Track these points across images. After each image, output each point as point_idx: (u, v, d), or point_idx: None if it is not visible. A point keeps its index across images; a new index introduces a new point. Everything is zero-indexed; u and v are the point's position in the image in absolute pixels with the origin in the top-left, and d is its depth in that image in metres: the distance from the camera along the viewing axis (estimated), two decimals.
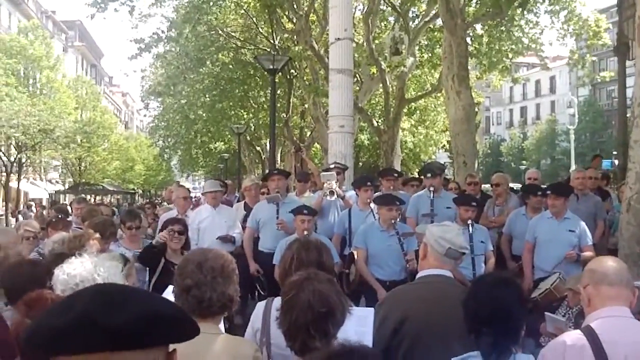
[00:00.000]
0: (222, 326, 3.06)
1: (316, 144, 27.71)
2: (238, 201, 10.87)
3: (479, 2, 17.78)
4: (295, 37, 22.00)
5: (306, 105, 25.31)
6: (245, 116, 31.70)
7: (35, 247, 6.67)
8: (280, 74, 19.02)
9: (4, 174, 33.90)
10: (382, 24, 23.57)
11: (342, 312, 2.65)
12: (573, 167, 31.41)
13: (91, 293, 1.21)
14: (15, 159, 33.74)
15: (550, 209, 7.04)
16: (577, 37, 21.42)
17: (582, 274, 3.28)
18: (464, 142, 13.30)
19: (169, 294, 3.05)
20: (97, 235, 4.99)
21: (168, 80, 29.73)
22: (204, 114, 30.84)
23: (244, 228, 8.34)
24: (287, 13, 22.69)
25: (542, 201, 7.49)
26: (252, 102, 30.37)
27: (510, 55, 21.08)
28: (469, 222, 6.76)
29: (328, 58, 12.61)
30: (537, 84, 70.36)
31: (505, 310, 2.57)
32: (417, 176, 11.76)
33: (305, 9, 20.65)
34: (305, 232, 6.46)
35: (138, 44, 23.07)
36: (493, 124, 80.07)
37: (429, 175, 7.97)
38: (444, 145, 33.03)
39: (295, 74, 24.94)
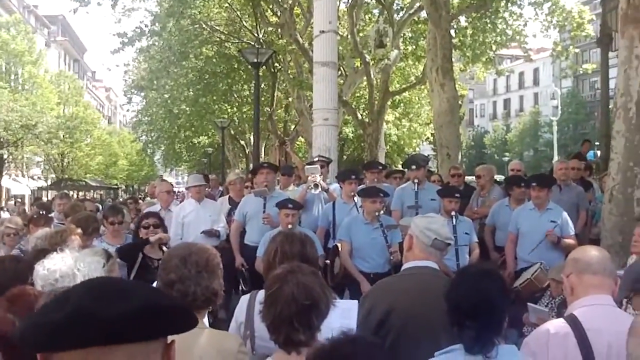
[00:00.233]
0: (206, 320, 3.05)
1: (300, 137, 27.67)
2: (222, 195, 10.84)
3: None
4: (279, 30, 21.95)
5: (290, 99, 25.24)
6: (229, 110, 31.58)
7: (17, 244, 6.63)
8: (264, 67, 18.98)
9: None
10: (367, 16, 23.54)
11: (326, 305, 2.65)
12: (556, 158, 31.59)
13: (87, 287, 1.20)
14: None
15: (533, 200, 7.09)
16: (561, 29, 21.51)
17: (565, 262, 3.29)
18: (448, 134, 13.33)
19: None
20: (79, 230, 4.96)
21: (151, 75, 29.58)
22: (188, 108, 30.67)
23: (228, 222, 8.33)
24: (271, 6, 22.64)
25: (526, 192, 7.53)
26: (236, 96, 30.26)
27: (494, 47, 21.12)
28: (453, 213, 6.80)
29: (312, 51, 12.59)
30: (520, 76, 70.56)
31: (488, 302, 2.56)
32: (400, 169, 11.78)
33: (290, 2, 20.60)
34: (290, 226, 6.45)
35: (121, 38, 22.95)
36: (477, 116, 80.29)
37: (413, 167, 7.99)
38: (428, 138, 33.08)
39: (280, 67, 24.87)
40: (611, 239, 6.69)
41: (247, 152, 35.71)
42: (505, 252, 7.29)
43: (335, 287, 5.85)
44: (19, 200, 36.39)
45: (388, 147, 28.63)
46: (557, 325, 2.97)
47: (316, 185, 7.69)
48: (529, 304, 5.14)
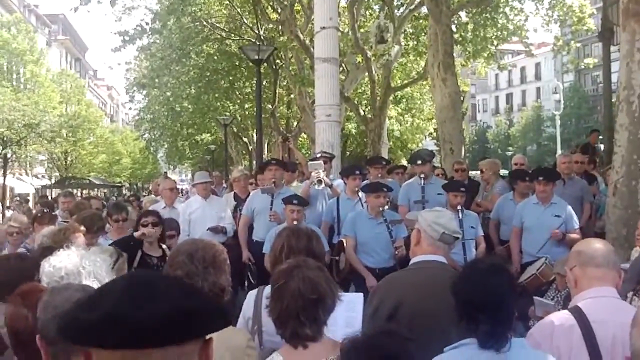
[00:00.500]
0: None
1: (303, 133, 27.66)
2: (225, 192, 10.86)
3: None
4: (280, 27, 21.91)
5: (292, 95, 25.25)
6: (231, 107, 31.60)
7: (22, 242, 6.64)
8: (265, 64, 18.97)
9: None
10: (367, 12, 23.50)
11: (332, 299, 2.66)
12: (559, 152, 31.55)
13: (122, 286, 1.20)
14: (0, 154, 33.46)
15: (539, 195, 7.06)
16: (562, 24, 21.49)
17: (569, 255, 3.29)
18: (451, 129, 13.33)
19: None
20: (83, 228, 4.96)
21: (153, 73, 29.55)
22: (190, 106, 30.68)
23: (234, 218, 8.36)
24: (271, 3, 22.60)
25: (530, 186, 7.52)
26: (237, 93, 30.25)
27: (495, 42, 21.11)
28: (459, 207, 6.82)
29: (313, 47, 12.58)
30: (522, 70, 70.55)
31: (501, 297, 2.56)
32: (401, 164, 11.77)
33: None
34: (295, 222, 6.44)
35: (122, 37, 22.94)
36: (479, 111, 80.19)
37: (419, 162, 7.97)
38: (431, 133, 33.06)
39: (281, 64, 24.86)
40: (615, 232, 6.70)
41: (250, 149, 35.73)
42: (510, 246, 7.30)
43: (340, 282, 5.87)
44: (17, 199, 36.37)
45: (391, 142, 28.61)
46: (561, 317, 2.98)
47: (319, 181, 7.69)
48: (535, 297, 5.14)
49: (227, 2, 25.06)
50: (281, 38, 21.89)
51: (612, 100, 13.22)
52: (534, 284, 6.02)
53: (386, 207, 6.89)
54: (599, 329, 2.83)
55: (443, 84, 13.20)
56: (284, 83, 26.67)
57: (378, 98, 20.68)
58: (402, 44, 21.20)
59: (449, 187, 7.28)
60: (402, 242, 6.52)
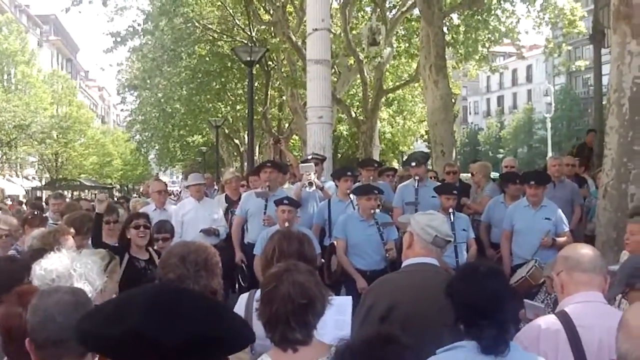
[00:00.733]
0: None
1: (295, 135, 27.67)
2: (216, 194, 10.85)
3: None
4: (272, 28, 21.92)
5: (284, 97, 25.22)
6: (223, 109, 31.52)
7: (13, 245, 6.59)
8: (257, 65, 18.95)
9: None
10: (359, 14, 23.52)
11: (322, 303, 2.65)
12: (550, 154, 31.66)
13: (146, 301, 1.18)
14: None
15: (530, 198, 7.07)
16: (553, 26, 21.58)
17: (556, 260, 3.30)
18: (442, 131, 13.36)
19: None
20: (72, 230, 4.94)
21: (144, 74, 29.50)
22: (181, 107, 30.57)
23: (226, 220, 8.36)
24: (264, 4, 22.60)
25: (521, 189, 7.53)
26: (229, 94, 30.18)
27: (486, 45, 21.17)
28: (450, 210, 6.83)
29: (305, 49, 12.59)
30: (513, 73, 70.71)
31: (501, 301, 2.57)
32: (392, 167, 11.78)
33: (282, 0, 20.57)
34: (287, 224, 6.42)
35: (114, 37, 22.88)
36: (470, 114, 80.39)
37: (413, 164, 7.99)
38: (422, 135, 33.12)
39: (273, 65, 24.84)
40: (605, 235, 6.72)
41: (241, 150, 35.66)
42: (501, 250, 7.31)
43: (331, 285, 5.86)
44: (8, 200, 36.18)
45: (382, 144, 28.65)
46: (548, 321, 2.99)
47: (311, 184, 7.67)
48: (525, 300, 5.14)
49: (220, 3, 25.02)
50: (273, 40, 21.90)
51: (603, 102, 13.26)
52: (524, 287, 6.03)
53: (377, 209, 6.90)
54: (585, 333, 2.84)
55: (435, 86, 13.23)
56: (276, 85, 26.63)
57: (370, 100, 20.71)
58: (394, 46, 21.22)
59: (441, 190, 7.28)
60: (393, 244, 6.54)
